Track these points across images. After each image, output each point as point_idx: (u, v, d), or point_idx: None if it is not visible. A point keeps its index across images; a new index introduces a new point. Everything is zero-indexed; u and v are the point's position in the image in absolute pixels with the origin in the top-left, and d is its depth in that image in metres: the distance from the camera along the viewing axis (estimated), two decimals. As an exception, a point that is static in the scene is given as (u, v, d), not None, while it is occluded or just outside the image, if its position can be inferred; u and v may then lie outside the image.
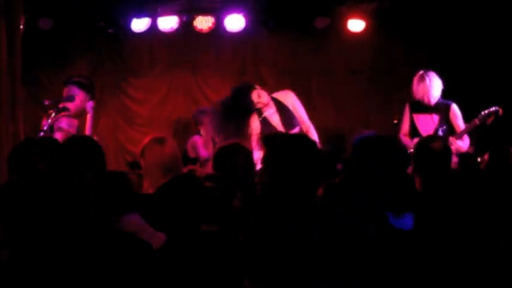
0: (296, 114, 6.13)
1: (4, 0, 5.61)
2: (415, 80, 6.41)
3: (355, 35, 8.25)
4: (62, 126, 6.08)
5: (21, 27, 5.98)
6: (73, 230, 2.84)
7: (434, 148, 3.58)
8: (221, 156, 4.04)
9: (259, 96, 6.07)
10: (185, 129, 8.23)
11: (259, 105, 6.05)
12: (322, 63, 8.47)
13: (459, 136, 6.27)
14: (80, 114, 6.35)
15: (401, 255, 2.47)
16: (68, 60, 8.17)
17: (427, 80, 6.34)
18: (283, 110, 6.18)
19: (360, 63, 8.44)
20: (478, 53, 7.87)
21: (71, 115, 6.25)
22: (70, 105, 6.22)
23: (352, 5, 7.99)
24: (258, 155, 5.22)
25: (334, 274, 2.38)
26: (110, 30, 8.06)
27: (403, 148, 2.54)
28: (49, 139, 4.59)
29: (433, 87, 6.34)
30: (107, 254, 2.69)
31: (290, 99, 6.24)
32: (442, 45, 8.12)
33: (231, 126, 5.90)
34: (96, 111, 8.38)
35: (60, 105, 6.11)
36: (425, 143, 3.70)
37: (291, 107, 6.18)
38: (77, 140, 4.11)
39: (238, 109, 5.98)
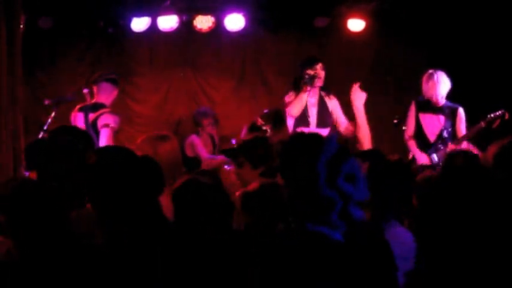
0: (336, 113, 6.54)
1: (4, 0, 5.61)
2: (424, 78, 6.47)
3: (355, 34, 8.25)
4: (110, 123, 6.10)
5: (21, 26, 5.98)
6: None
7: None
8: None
9: (322, 69, 6.44)
10: (185, 129, 8.22)
11: (312, 73, 6.35)
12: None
13: (465, 138, 6.28)
14: None
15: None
16: (68, 59, 8.17)
17: (435, 78, 6.38)
18: (323, 107, 6.48)
19: (359, 63, 8.44)
20: (478, 53, 7.87)
21: (112, 111, 6.29)
22: (106, 102, 6.30)
23: (352, 5, 7.99)
24: None
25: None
26: (110, 30, 8.07)
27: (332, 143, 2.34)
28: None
29: (441, 85, 6.38)
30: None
31: (333, 101, 6.61)
32: (442, 45, 8.12)
33: None
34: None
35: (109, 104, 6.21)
36: None
37: (330, 108, 6.54)
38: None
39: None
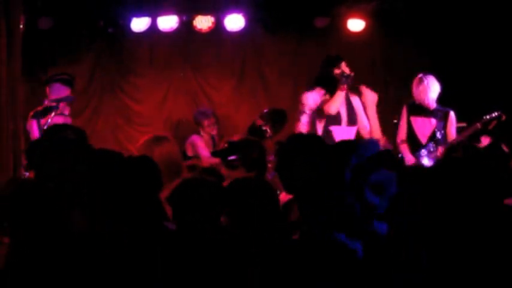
0: (359, 112, 6.48)
1: (4, 0, 5.61)
2: (414, 83, 6.49)
3: (355, 34, 8.25)
4: None
5: (21, 26, 5.98)
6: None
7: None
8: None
9: (347, 66, 6.41)
10: (185, 129, 8.23)
11: (344, 72, 6.33)
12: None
13: (459, 140, 6.28)
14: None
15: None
16: (68, 59, 8.16)
17: (425, 82, 6.40)
18: (350, 105, 6.47)
19: (359, 63, 8.43)
20: (479, 54, 7.87)
21: (66, 114, 6.23)
22: (61, 104, 6.18)
23: (352, 5, 7.99)
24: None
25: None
26: (110, 30, 8.07)
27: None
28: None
29: (431, 89, 6.40)
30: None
31: (356, 99, 6.55)
32: (443, 45, 8.12)
33: None
34: (96, 110, 8.47)
35: (60, 105, 6.11)
36: None
37: (355, 104, 6.51)
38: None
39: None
